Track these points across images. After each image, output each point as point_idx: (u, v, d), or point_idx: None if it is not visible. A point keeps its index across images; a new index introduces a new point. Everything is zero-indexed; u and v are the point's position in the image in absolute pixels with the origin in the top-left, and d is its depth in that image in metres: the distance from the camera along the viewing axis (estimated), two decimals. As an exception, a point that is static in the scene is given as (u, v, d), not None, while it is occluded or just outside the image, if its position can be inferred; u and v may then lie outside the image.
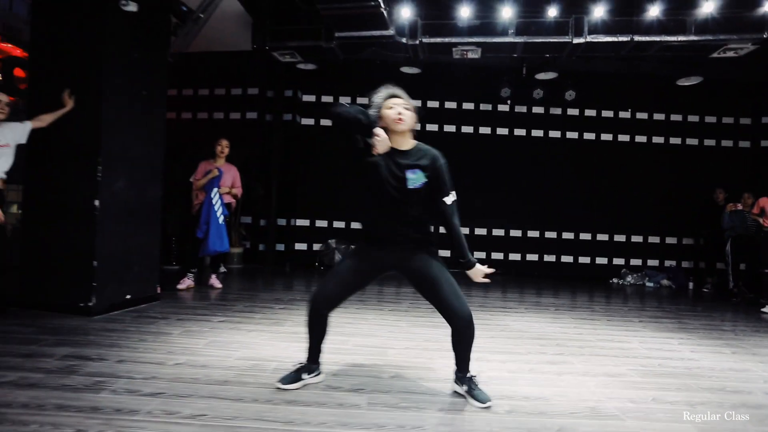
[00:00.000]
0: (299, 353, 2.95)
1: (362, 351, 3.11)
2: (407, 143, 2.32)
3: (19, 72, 5.85)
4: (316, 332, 2.47)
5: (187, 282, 5.08)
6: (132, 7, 3.62)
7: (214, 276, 5.35)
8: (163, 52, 4.20)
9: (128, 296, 3.99)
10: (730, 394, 2.60)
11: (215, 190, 4.98)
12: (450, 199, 2.30)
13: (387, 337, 3.48)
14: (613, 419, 2.18)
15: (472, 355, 3.02)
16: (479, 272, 2.36)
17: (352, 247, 2.33)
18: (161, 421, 1.96)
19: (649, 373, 2.92)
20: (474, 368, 2.85)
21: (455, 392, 2.43)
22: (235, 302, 4.54)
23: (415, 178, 2.24)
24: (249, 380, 2.48)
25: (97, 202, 3.64)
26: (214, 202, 4.92)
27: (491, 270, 2.34)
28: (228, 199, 5.31)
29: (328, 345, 3.09)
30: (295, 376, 2.44)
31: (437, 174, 2.27)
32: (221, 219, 4.97)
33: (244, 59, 7.42)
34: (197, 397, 2.22)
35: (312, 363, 2.50)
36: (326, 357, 2.88)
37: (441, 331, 3.68)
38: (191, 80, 7.98)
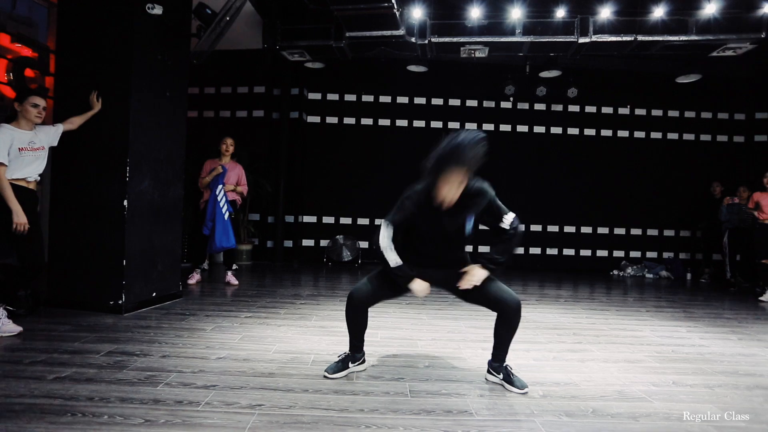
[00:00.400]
0: (333, 346, 3.09)
1: (392, 343, 3.24)
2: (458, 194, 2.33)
3: (29, 72, 5.87)
4: (356, 324, 2.59)
5: (196, 277, 5.31)
6: (158, 10, 3.70)
7: (230, 273, 5.46)
8: (185, 53, 4.27)
9: (154, 294, 4.09)
10: (744, 376, 2.78)
11: (220, 187, 5.09)
12: (508, 220, 2.43)
13: (412, 329, 3.62)
14: (641, 401, 2.34)
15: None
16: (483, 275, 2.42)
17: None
18: (223, 411, 2.08)
19: (665, 358, 3.09)
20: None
21: (489, 381, 2.57)
22: (256, 298, 4.65)
23: (469, 227, 2.42)
24: (293, 372, 2.60)
25: (125, 203, 3.72)
26: (219, 199, 5.03)
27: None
28: (233, 196, 5.40)
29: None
30: (341, 366, 2.57)
31: (489, 207, 2.42)
32: (226, 216, 5.08)
33: (250, 58, 7.50)
34: (249, 388, 2.34)
35: (355, 352, 2.63)
36: (361, 349, 3.02)
37: (463, 323, 3.85)
38: (197, 79, 8.01)
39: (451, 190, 2.26)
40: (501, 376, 2.51)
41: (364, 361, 2.68)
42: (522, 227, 2.48)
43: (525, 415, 2.13)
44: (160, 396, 2.20)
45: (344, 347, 3.09)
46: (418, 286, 2.41)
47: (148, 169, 3.96)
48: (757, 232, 5.83)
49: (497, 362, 2.54)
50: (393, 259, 2.39)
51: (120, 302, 3.73)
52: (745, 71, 7.55)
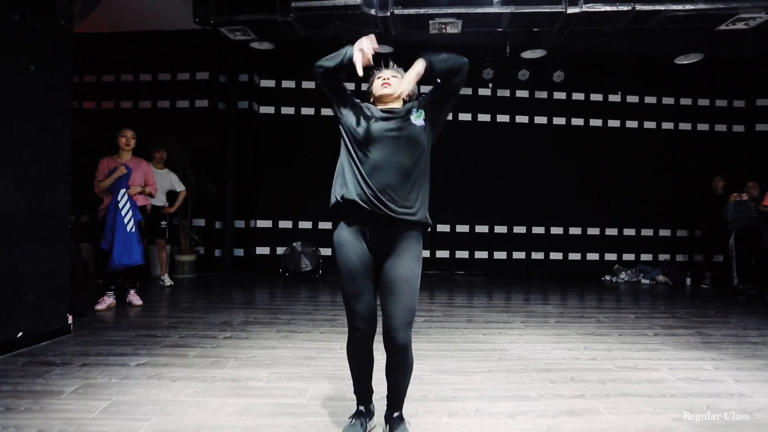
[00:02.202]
0: (236, 419, 2.14)
1: (324, 409, 2.30)
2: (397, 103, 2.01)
3: None
4: (362, 367, 2.02)
5: (107, 301, 4.30)
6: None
7: (132, 291, 4.53)
8: (54, 15, 3.24)
9: (20, 334, 3.07)
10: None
11: (122, 191, 4.15)
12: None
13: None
14: None
15: (471, 405, 2.40)
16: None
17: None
18: None
19: (703, 425, 2.21)
20: (476, 427, 2.10)
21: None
22: (169, 331, 3.66)
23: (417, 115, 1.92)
24: (146, 484, 1.65)
25: (-38, 214, 2.70)
26: (121, 206, 4.09)
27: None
28: (142, 200, 4.54)
29: (276, 399, 2.26)
30: (359, 430, 1.96)
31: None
32: (130, 226, 4.14)
33: (190, 39, 6.46)
34: None
35: (368, 404, 2.08)
36: (273, 423, 2.07)
37: (426, 364, 2.90)
38: (130, 64, 6.95)
39: (380, 80, 2.02)
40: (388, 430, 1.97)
41: (373, 414, 2.10)
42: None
43: None
44: None
45: (253, 417, 2.16)
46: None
47: (1, 168, 2.94)
48: (774, 234, 5.04)
49: (391, 410, 1.98)
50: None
51: (-44, 351, 2.71)
52: (749, 52, 6.76)
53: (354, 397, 2.07)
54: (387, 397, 1.99)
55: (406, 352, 1.83)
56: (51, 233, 3.32)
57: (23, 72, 3.05)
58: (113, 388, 2.48)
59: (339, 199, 1.88)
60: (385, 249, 1.84)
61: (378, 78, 2.05)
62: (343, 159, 1.95)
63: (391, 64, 2.09)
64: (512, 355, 3.26)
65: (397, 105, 1.99)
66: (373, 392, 2.08)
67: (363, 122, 1.91)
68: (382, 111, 1.93)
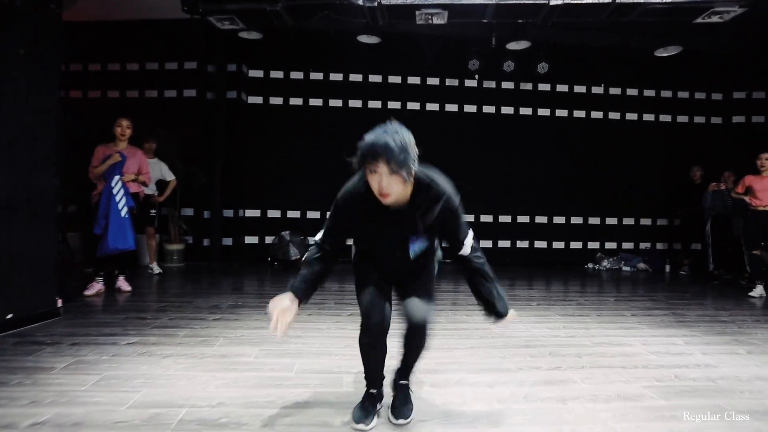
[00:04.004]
0: (224, 390, 2.23)
1: (310, 380, 2.39)
2: (404, 196, 1.71)
3: None
4: (377, 356, 1.98)
5: (96, 287, 4.34)
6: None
7: (121, 278, 4.58)
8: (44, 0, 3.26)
9: (10, 315, 3.11)
10: (779, 419, 2.05)
11: (117, 178, 4.20)
12: (467, 246, 1.85)
13: (341, 357, 2.75)
14: (654, 479, 1.57)
15: (453, 377, 2.51)
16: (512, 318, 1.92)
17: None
18: None
19: (669, 391, 2.34)
20: (454, 398, 2.20)
21: None
22: (159, 314, 3.71)
23: (419, 248, 1.85)
24: (139, 445, 1.72)
25: (-49, 195, 2.73)
26: (115, 192, 4.14)
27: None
28: (135, 188, 4.58)
29: (264, 373, 2.35)
30: (370, 409, 1.95)
31: (445, 222, 1.80)
32: (124, 211, 4.20)
33: (178, 28, 6.43)
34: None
35: (379, 387, 2.04)
36: (259, 393, 2.15)
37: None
38: (118, 53, 6.91)
39: (387, 184, 1.60)
40: (393, 395, 2.05)
41: (383, 396, 2.08)
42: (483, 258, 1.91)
43: None
44: None
45: (241, 389, 2.24)
46: (278, 304, 1.70)
47: (-12, 150, 2.97)
48: (748, 220, 5.22)
49: (402, 378, 2.07)
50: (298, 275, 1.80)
51: (-54, 331, 2.75)
52: (726, 44, 6.94)
53: (372, 376, 2.03)
54: (400, 366, 2.05)
55: (425, 331, 1.87)
56: (39, 217, 3.35)
57: (12, 56, 3.06)
58: (104, 365, 2.54)
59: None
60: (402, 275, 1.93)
61: (371, 174, 1.61)
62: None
63: (383, 159, 1.57)
64: (494, 333, 3.37)
65: (403, 198, 1.71)
66: (384, 378, 2.04)
67: (368, 226, 1.83)
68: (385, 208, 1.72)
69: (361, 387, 2.05)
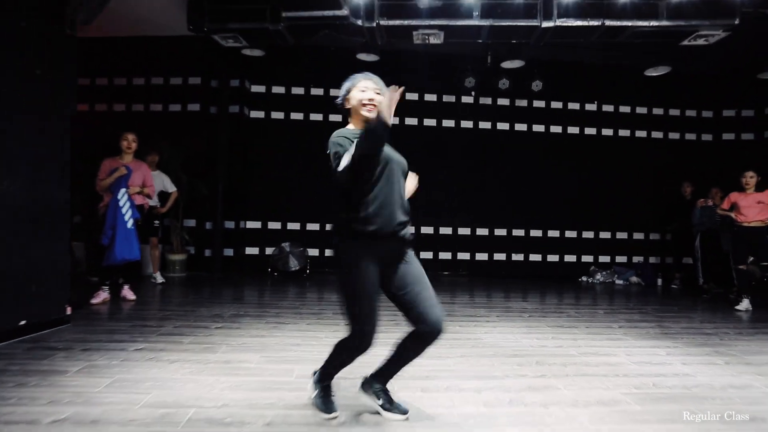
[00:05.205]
0: (229, 392, 2.39)
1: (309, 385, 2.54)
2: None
3: None
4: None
5: (102, 295, 4.50)
6: (14, -35, 2.90)
7: (126, 287, 4.74)
8: (60, 22, 3.46)
9: (23, 322, 3.26)
10: (744, 424, 2.20)
11: (123, 190, 4.41)
12: None
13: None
14: (621, 475, 1.72)
15: (443, 383, 2.63)
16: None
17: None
18: None
19: (646, 397, 2.49)
20: (443, 401, 2.36)
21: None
22: (164, 322, 3.86)
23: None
24: (151, 441, 1.87)
25: (-28, 208, 2.90)
26: (121, 204, 4.34)
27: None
28: (140, 200, 4.79)
29: (265, 378, 2.52)
30: (329, 397, 2.21)
31: None
32: (130, 223, 4.39)
33: (183, 45, 6.66)
34: (68, 476, 1.60)
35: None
36: (262, 396, 2.30)
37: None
38: (123, 68, 7.14)
39: (365, 94, 2.00)
40: (381, 401, 2.17)
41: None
42: None
43: None
44: None
45: (244, 392, 2.40)
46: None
47: (9, 165, 3.14)
48: (734, 236, 5.40)
49: (380, 383, 2.19)
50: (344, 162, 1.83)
51: (-36, 336, 2.90)
52: (714, 64, 7.18)
53: (334, 376, 2.23)
54: (384, 371, 2.16)
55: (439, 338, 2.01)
56: (53, 229, 3.52)
57: (31, 75, 3.25)
58: (115, 369, 2.69)
59: (371, 230, 1.89)
60: (392, 261, 2.00)
61: (361, 91, 1.98)
62: (361, 190, 1.90)
63: (367, 74, 2.06)
64: (485, 343, 3.53)
65: None
66: None
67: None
68: None
69: (356, 391, 2.21)
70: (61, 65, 3.52)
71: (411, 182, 2.21)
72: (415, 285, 1.99)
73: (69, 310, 3.70)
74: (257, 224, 7.38)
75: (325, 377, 2.22)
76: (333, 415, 2.12)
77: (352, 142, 1.85)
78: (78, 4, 3.37)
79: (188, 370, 2.70)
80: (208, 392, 2.39)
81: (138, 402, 2.24)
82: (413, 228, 2.09)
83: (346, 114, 2.14)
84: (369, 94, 1.99)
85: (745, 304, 5.22)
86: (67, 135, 3.60)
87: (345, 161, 1.81)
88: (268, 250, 7.24)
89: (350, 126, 2.09)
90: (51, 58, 3.44)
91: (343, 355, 2.09)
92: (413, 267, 2.04)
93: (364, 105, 1.97)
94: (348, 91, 2.05)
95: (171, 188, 6.01)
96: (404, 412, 2.15)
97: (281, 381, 2.58)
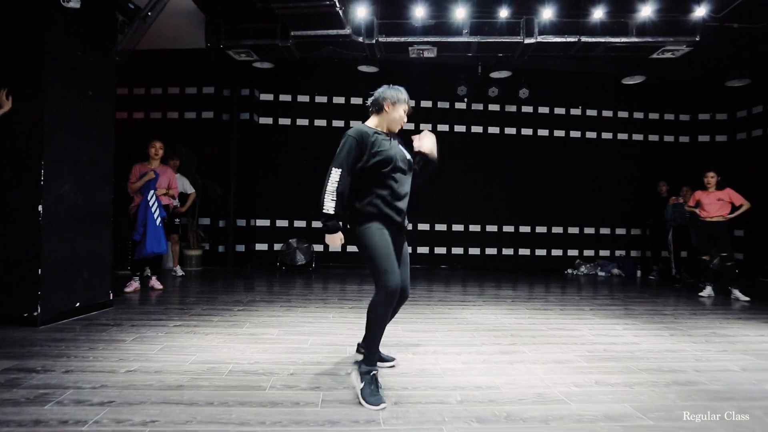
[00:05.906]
0: (257, 354, 2.97)
1: (321, 350, 3.13)
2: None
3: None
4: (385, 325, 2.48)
5: (133, 285, 5.11)
6: (74, 4, 3.49)
7: (154, 278, 5.35)
8: (108, 50, 4.07)
9: (78, 304, 3.86)
10: (665, 373, 2.79)
11: (151, 192, 5.02)
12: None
13: (346, 335, 3.52)
14: (558, 403, 2.31)
15: (430, 348, 3.14)
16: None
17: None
18: (110, 430, 1.93)
19: (594, 358, 3.09)
20: (429, 361, 2.94)
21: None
22: (193, 306, 4.46)
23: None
24: (204, 384, 2.46)
25: (40, 208, 3.49)
26: (150, 204, 4.95)
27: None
28: (166, 200, 5.39)
29: (285, 345, 3.13)
30: (376, 386, 2.30)
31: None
32: (158, 221, 5.00)
33: (198, 57, 7.28)
34: (149, 403, 2.19)
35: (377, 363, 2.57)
36: (284, 356, 2.91)
37: (400, 327, 3.77)
38: (143, 78, 7.73)
39: (404, 119, 2.59)
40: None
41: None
42: None
43: (434, 423, 2.06)
44: (44, 416, 2.03)
45: (270, 354, 2.98)
46: (337, 241, 2.44)
47: (68, 171, 3.74)
48: (698, 230, 5.99)
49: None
50: (329, 206, 2.33)
51: (35, 314, 3.49)
52: (686, 73, 7.78)
53: (378, 349, 2.56)
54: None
55: None
56: (99, 225, 4.11)
57: (83, 94, 3.85)
58: (162, 338, 3.29)
59: (382, 214, 2.42)
60: (393, 242, 2.46)
61: (404, 111, 2.58)
62: (369, 183, 2.44)
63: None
64: (469, 321, 4.12)
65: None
66: None
67: (388, 151, 2.44)
68: (392, 136, 2.56)
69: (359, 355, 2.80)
70: (106, 85, 4.12)
71: (428, 140, 2.66)
72: (401, 266, 2.58)
73: (111, 296, 4.30)
74: (266, 222, 7.98)
75: (372, 355, 2.37)
76: (382, 406, 2.17)
77: (368, 139, 2.41)
78: (124, 39, 3.95)
79: (222, 340, 3.30)
80: (241, 354, 2.98)
81: (187, 360, 2.83)
82: (410, 225, 2.66)
83: (367, 111, 2.69)
84: (405, 117, 2.61)
85: (707, 291, 5.81)
86: (111, 145, 4.20)
87: (330, 203, 2.34)
88: (277, 246, 7.84)
89: (370, 122, 2.59)
90: (99, 79, 4.03)
91: (378, 312, 2.32)
92: (404, 252, 2.63)
93: (401, 125, 2.61)
94: (393, 103, 2.53)
95: (190, 189, 6.61)
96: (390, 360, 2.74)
97: (299, 347, 3.17)
